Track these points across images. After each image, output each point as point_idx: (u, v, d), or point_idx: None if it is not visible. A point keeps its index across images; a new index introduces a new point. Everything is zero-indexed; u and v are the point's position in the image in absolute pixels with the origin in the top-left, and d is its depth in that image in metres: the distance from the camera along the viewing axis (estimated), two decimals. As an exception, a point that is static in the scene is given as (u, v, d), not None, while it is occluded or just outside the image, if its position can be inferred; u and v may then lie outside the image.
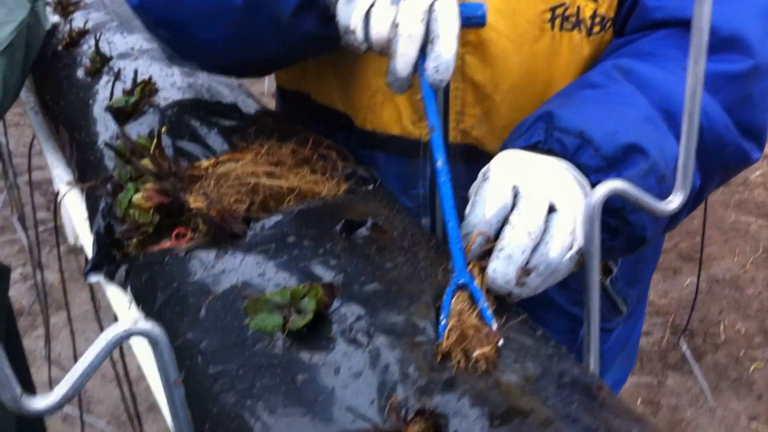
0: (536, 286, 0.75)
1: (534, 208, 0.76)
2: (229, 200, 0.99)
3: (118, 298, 0.96)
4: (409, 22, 0.82)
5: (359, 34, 0.87)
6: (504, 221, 0.76)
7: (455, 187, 1.07)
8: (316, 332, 0.70)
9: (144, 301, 0.88)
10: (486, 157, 1.02)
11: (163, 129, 1.07)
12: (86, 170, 1.17)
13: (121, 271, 0.97)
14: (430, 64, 0.82)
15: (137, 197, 0.95)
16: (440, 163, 0.80)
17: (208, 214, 0.89)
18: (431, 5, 0.83)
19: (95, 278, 1.01)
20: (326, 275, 0.78)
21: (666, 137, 0.88)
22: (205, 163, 1.06)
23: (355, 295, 0.74)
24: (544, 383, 0.62)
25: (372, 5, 0.86)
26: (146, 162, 1.00)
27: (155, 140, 1.04)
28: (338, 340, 0.68)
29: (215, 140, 1.13)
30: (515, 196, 0.77)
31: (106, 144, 0.96)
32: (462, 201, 1.06)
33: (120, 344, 0.59)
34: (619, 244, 0.87)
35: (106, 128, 1.21)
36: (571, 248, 0.76)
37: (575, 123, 0.84)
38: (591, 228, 0.77)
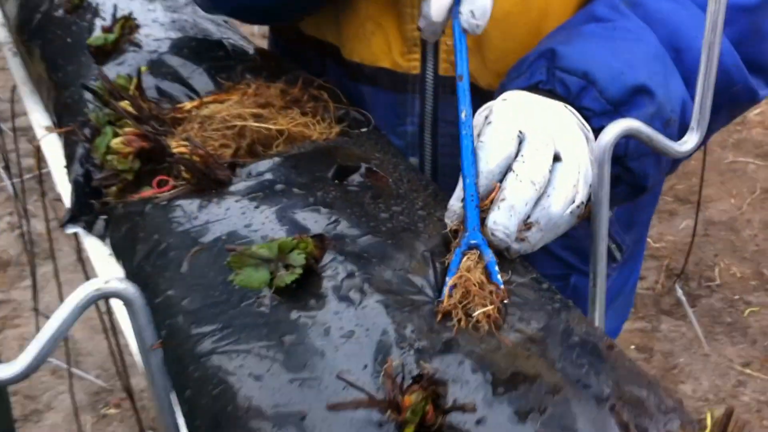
0: (536, 241, 0.70)
1: (539, 157, 0.70)
2: (214, 144, 0.93)
3: (98, 250, 0.91)
4: None
5: None
6: (507, 168, 0.71)
7: (446, 122, 1.03)
8: (305, 289, 0.66)
9: (123, 254, 0.83)
10: (477, 90, 0.97)
11: (144, 68, 1.00)
12: (64, 114, 1.10)
13: (100, 221, 0.92)
14: (465, 8, 0.77)
15: (116, 142, 0.89)
16: (464, 114, 0.75)
17: (191, 159, 0.83)
18: None
19: (73, 230, 0.95)
20: (317, 226, 0.73)
21: (673, 77, 0.82)
22: (188, 104, 1.00)
23: (348, 248, 0.69)
24: (551, 343, 0.58)
25: None
26: (125, 104, 0.94)
27: (135, 80, 0.98)
28: (329, 298, 0.64)
29: (199, 80, 1.07)
30: (520, 142, 0.72)
31: (83, 85, 0.90)
32: (451, 137, 1.02)
33: (90, 305, 0.54)
34: (619, 193, 0.82)
35: (84, 68, 1.14)
36: (573, 201, 0.71)
37: (579, 62, 0.79)
38: (601, 172, 0.72)
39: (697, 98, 0.73)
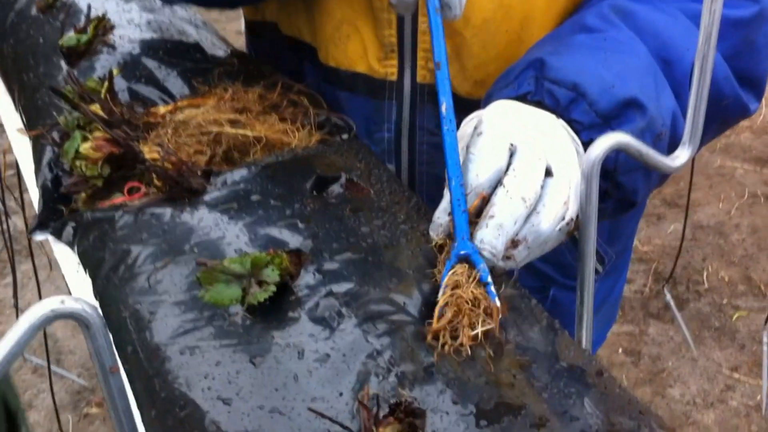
0: (522, 259, 0.67)
1: (531, 172, 0.67)
2: (189, 151, 0.90)
3: (68, 259, 0.87)
4: None
5: None
6: (497, 182, 0.68)
7: (423, 129, 0.99)
8: (279, 307, 0.62)
9: (91, 264, 0.79)
10: (456, 99, 0.94)
11: (116, 71, 0.96)
12: (34, 116, 1.06)
13: (69, 228, 0.88)
14: None
15: (85, 147, 0.85)
16: (444, 107, 0.71)
17: (163, 167, 0.80)
18: None
19: (41, 237, 0.91)
20: (294, 240, 0.69)
21: (664, 90, 0.80)
22: (162, 109, 0.96)
23: (326, 265, 0.66)
24: (537, 369, 0.55)
25: None
26: (96, 107, 0.90)
27: (106, 83, 0.94)
28: (304, 318, 0.60)
29: (175, 83, 1.03)
30: (511, 155, 0.69)
31: (50, 88, 0.86)
32: (428, 145, 0.99)
33: (45, 327, 0.50)
34: (607, 208, 0.80)
35: (56, 69, 1.10)
36: (563, 218, 0.68)
37: (569, 74, 0.75)
38: (589, 187, 0.69)
39: (690, 112, 0.70)
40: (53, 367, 2.47)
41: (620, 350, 2.60)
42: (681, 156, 0.75)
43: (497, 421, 0.49)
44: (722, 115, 0.88)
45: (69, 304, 0.52)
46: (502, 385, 0.52)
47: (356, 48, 0.96)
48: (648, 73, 0.78)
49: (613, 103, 0.74)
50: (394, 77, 0.96)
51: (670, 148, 0.77)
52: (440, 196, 0.72)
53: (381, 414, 0.50)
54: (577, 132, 0.74)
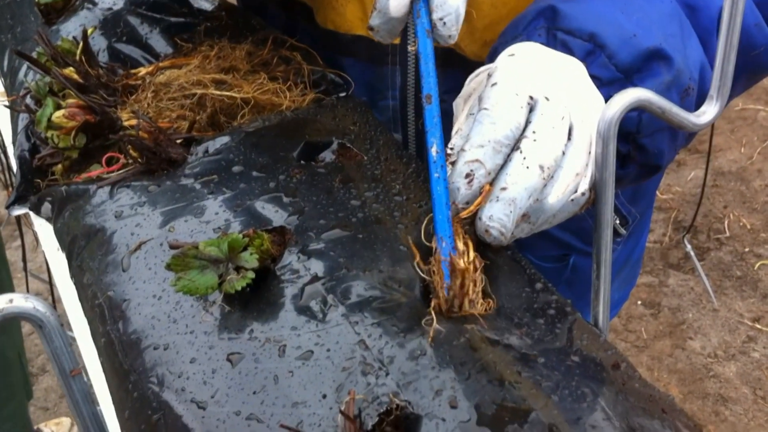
0: (522, 235, 0.60)
1: (552, 133, 0.59)
2: (170, 115, 0.83)
3: (49, 236, 0.82)
4: None
5: None
6: (515, 143, 0.59)
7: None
8: (259, 295, 0.56)
9: (66, 243, 0.73)
10: (463, 61, 0.86)
11: (91, 30, 0.89)
12: (11, 80, 1.00)
13: (47, 203, 0.82)
14: (435, 15, 0.63)
15: (58, 115, 0.79)
16: (435, 150, 0.59)
17: (139, 137, 0.73)
18: None
19: (19, 211, 0.86)
20: (277, 217, 0.63)
21: (690, 39, 0.71)
22: (143, 70, 0.89)
23: (312, 244, 0.59)
24: (546, 365, 0.49)
25: None
26: (70, 71, 0.83)
27: (81, 43, 0.87)
28: (285, 308, 0.54)
29: (158, 41, 0.96)
30: (530, 110, 0.60)
31: (16, 52, 0.79)
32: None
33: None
34: (630, 174, 0.72)
35: (33, 28, 1.03)
36: (575, 191, 0.60)
37: (585, 22, 0.67)
38: (605, 151, 0.62)
39: (718, 62, 0.62)
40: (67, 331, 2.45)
41: (639, 302, 2.54)
42: (708, 112, 0.68)
43: (499, 427, 0.43)
44: (752, 66, 0.79)
45: (18, 303, 0.46)
46: (505, 383, 0.46)
47: (355, 10, 0.88)
48: (673, 21, 0.70)
49: (634, 54, 0.66)
50: (397, 40, 0.88)
51: (699, 103, 0.69)
52: None
53: (369, 423, 0.45)
54: None
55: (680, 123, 0.65)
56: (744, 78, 0.80)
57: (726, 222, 2.82)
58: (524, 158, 0.58)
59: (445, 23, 0.62)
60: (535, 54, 0.65)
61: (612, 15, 0.67)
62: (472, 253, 0.57)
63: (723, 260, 2.67)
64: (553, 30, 0.67)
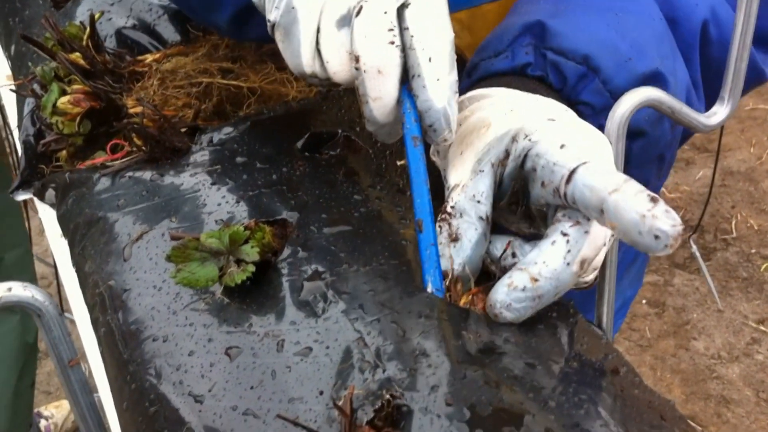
0: None
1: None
2: (176, 103, 0.83)
3: (53, 222, 0.81)
4: (371, 51, 0.55)
5: (319, 73, 0.59)
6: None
7: None
8: (259, 288, 0.56)
9: (69, 231, 0.73)
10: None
11: (98, 15, 0.89)
12: (18, 64, 1.00)
13: (51, 189, 0.82)
14: (424, 123, 0.56)
15: (63, 101, 0.79)
16: (430, 287, 0.54)
17: (143, 125, 0.73)
18: (400, 11, 0.55)
19: (24, 196, 0.86)
20: (279, 209, 0.63)
21: (678, 59, 0.68)
22: (150, 57, 0.89)
23: (313, 238, 0.59)
24: (545, 368, 0.48)
25: (318, 31, 0.58)
26: (76, 56, 0.83)
27: (88, 28, 0.86)
28: (285, 303, 0.54)
29: (166, 28, 0.95)
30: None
31: (23, 36, 0.79)
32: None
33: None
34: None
35: (42, 13, 1.03)
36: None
37: (578, 43, 0.62)
38: (614, 149, 0.61)
39: (731, 62, 0.62)
40: (66, 314, 2.45)
41: (644, 301, 2.53)
42: (719, 113, 0.67)
43: (494, 431, 0.43)
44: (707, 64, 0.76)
45: (16, 291, 0.46)
46: (501, 387, 0.46)
47: None
48: (664, 41, 0.66)
49: (630, 80, 0.62)
50: None
51: (684, 128, 0.67)
52: None
53: (365, 419, 0.44)
54: (583, 117, 0.61)
55: (690, 123, 0.64)
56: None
57: (733, 222, 2.81)
58: (568, 251, 0.51)
59: (435, 130, 0.55)
60: (514, 103, 0.59)
61: (606, 35, 0.63)
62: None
63: (729, 261, 2.66)
64: (542, 49, 0.63)
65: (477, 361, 0.48)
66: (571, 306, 0.56)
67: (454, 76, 0.55)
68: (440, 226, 0.56)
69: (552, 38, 0.63)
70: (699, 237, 2.75)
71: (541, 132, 0.54)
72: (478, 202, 0.55)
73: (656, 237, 0.46)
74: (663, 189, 2.97)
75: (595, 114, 0.62)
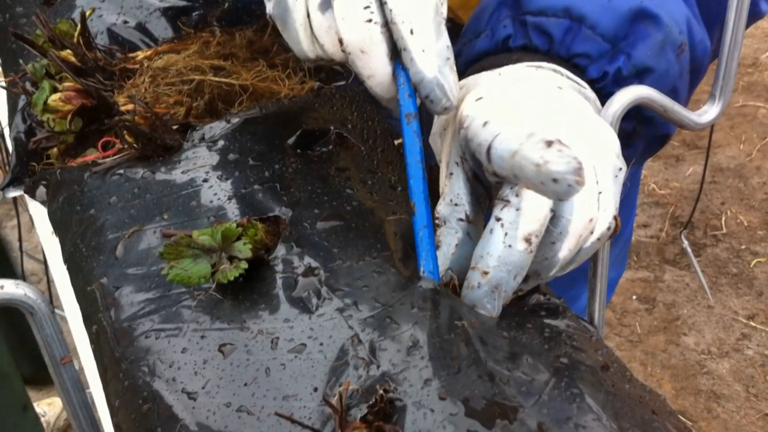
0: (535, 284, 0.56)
1: (536, 197, 0.51)
2: (168, 101, 0.83)
3: (44, 220, 0.81)
4: (350, 32, 0.56)
5: (323, 55, 0.60)
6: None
7: None
8: (252, 285, 0.56)
9: (60, 229, 0.73)
10: (460, 29, 0.84)
11: (89, 12, 0.88)
12: (8, 61, 0.99)
13: (41, 187, 0.82)
14: (421, 94, 0.56)
15: (54, 98, 0.78)
16: (422, 270, 0.54)
17: (134, 122, 0.73)
18: None
19: (14, 193, 0.85)
20: (272, 206, 0.63)
21: None
22: (141, 54, 0.89)
23: (306, 234, 0.59)
24: (537, 363, 0.48)
25: (308, 16, 0.59)
26: (67, 53, 0.83)
27: (79, 25, 0.86)
28: (279, 300, 0.54)
29: (158, 25, 0.95)
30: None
31: (14, 34, 0.78)
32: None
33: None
34: (637, 149, 0.68)
35: (32, 9, 1.02)
36: (591, 232, 0.53)
37: None
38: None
39: (721, 60, 0.62)
40: (56, 311, 2.45)
41: (634, 297, 2.55)
42: (710, 111, 0.68)
43: (487, 427, 0.43)
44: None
45: (9, 289, 0.46)
46: (495, 381, 0.46)
47: None
48: None
49: (617, 20, 0.60)
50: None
51: (692, 64, 0.65)
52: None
53: (359, 415, 0.44)
54: (584, 69, 0.61)
55: (681, 121, 0.65)
56: (720, 29, 0.76)
57: (723, 219, 2.83)
58: (506, 233, 0.50)
59: (432, 100, 0.55)
60: (502, 90, 0.57)
61: None
62: None
63: (719, 257, 2.68)
64: (519, 17, 0.62)
65: (470, 355, 0.48)
66: (561, 303, 0.57)
67: (444, 42, 0.55)
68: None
69: (527, 3, 0.62)
70: (689, 233, 2.76)
71: (470, 117, 0.53)
72: (456, 205, 0.55)
73: (555, 180, 0.45)
74: (653, 185, 2.98)
75: (594, 62, 0.61)
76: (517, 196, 0.50)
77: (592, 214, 0.52)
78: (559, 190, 0.45)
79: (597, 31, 0.61)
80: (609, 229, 0.54)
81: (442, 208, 0.56)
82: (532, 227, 0.50)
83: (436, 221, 0.56)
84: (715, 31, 0.71)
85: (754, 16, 0.75)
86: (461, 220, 0.55)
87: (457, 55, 0.65)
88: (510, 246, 0.50)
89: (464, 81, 0.62)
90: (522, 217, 0.50)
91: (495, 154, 0.49)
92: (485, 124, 0.51)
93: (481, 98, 0.55)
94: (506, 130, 0.49)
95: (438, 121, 0.62)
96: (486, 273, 0.50)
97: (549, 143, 0.46)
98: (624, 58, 0.62)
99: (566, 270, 0.55)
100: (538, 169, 0.45)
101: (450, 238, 0.55)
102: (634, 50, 0.61)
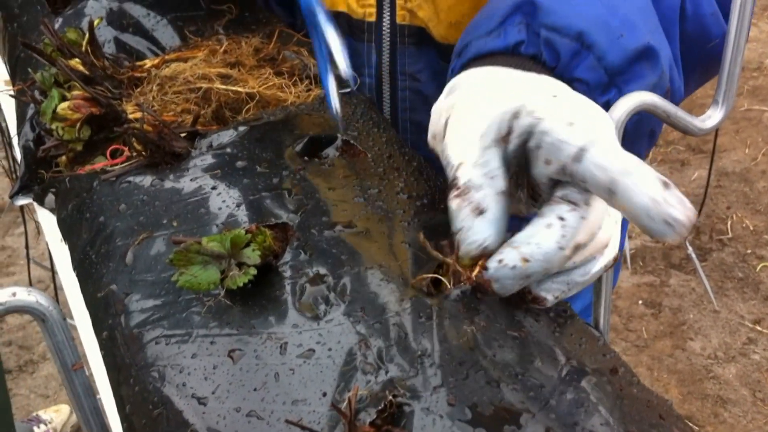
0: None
1: (600, 204, 0.52)
2: (175, 109, 0.83)
3: (52, 227, 0.82)
4: None
5: None
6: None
7: (404, 75, 0.89)
8: (261, 291, 0.56)
9: (69, 236, 0.73)
10: (431, 42, 0.85)
11: (98, 21, 0.89)
12: (17, 70, 1.00)
13: (50, 194, 0.82)
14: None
15: (63, 107, 0.79)
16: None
17: (143, 130, 0.73)
18: None
19: (23, 201, 0.86)
20: (280, 213, 0.63)
21: (661, 34, 0.67)
22: (148, 62, 0.89)
23: (314, 241, 0.60)
24: (545, 368, 0.49)
25: None
26: (75, 62, 0.84)
27: (88, 34, 0.87)
28: (287, 306, 0.54)
29: (164, 33, 0.96)
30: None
31: (23, 43, 0.79)
32: (410, 91, 0.90)
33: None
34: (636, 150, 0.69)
35: (39, 18, 1.03)
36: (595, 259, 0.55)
37: (570, 19, 0.61)
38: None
39: (725, 66, 0.63)
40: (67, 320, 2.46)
41: (640, 302, 2.54)
42: (713, 117, 0.68)
43: (494, 430, 0.43)
44: (707, 59, 0.76)
45: (21, 296, 0.47)
46: (502, 386, 0.46)
47: None
48: (651, 15, 0.66)
49: (623, 56, 0.62)
50: (372, 18, 0.89)
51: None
52: (423, 143, 0.62)
53: (368, 420, 0.45)
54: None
55: (685, 127, 0.65)
56: (698, 72, 0.77)
57: (729, 223, 2.83)
58: (563, 236, 0.50)
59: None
60: (510, 81, 0.58)
61: (597, 12, 0.63)
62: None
63: (725, 261, 2.67)
64: (534, 27, 0.62)
65: (478, 361, 0.48)
66: (568, 307, 0.57)
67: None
68: (460, 203, 0.53)
69: (544, 15, 0.62)
70: (695, 238, 2.76)
71: (546, 109, 0.52)
72: (492, 178, 0.53)
73: (668, 224, 0.45)
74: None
75: (590, 90, 0.62)
76: (586, 204, 0.50)
77: (609, 235, 0.54)
78: (664, 231, 0.46)
79: (602, 62, 0.62)
80: (615, 259, 0.55)
81: (475, 176, 0.53)
82: (585, 238, 0.51)
83: (463, 186, 0.53)
84: (695, 73, 0.74)
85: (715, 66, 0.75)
86: (500, 194, 0.53)
87: (464, 48, 0.66)
88: (561, 248, 0.50)
89: (472, 71, 0.61)
90: (584, 225, 0.50)
91: (591, 161, 0.48)
92: (571, 124, 0.50)
93: (555, 96, 0.54)
94: (607, 143, 0.49)
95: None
96: (527, 261, 0.50)
97: (667, 185, 0.46)
98: (615, 92, 0.63)
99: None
100: (654, 205, 0.46)
101: (494, 206, 0.53)
102: (626, 87, 0.62)
